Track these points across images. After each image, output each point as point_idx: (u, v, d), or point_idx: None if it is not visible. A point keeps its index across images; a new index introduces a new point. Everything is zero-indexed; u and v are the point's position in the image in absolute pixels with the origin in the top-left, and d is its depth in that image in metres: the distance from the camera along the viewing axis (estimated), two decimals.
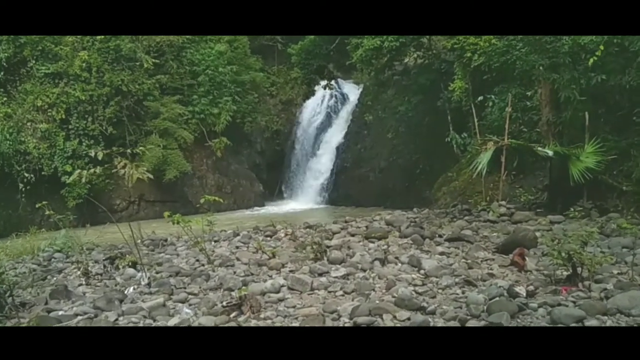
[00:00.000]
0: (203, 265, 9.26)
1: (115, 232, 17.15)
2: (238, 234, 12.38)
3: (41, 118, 20.83)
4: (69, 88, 21.21)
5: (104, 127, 21.95)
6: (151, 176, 7.32)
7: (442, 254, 8.44)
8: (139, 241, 13.26)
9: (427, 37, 19.24)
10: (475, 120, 13.93)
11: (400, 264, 7.75)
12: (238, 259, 8.99)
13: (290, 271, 7.76)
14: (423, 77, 19.32)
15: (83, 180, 6.88)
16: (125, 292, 7.34)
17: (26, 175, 20.39)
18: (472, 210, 12.85)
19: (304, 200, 25.75)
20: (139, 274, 7.97)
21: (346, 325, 5.40)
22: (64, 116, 21.19)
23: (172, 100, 23.44)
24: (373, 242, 9.55)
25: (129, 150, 8.53)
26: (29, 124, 20.78)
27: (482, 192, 15.55)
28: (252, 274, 7.86)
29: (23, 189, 20.29)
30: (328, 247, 9.27)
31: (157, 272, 8.88)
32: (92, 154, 20.65)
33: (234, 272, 8.11)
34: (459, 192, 16.26)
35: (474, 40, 16.02)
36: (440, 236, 9.93)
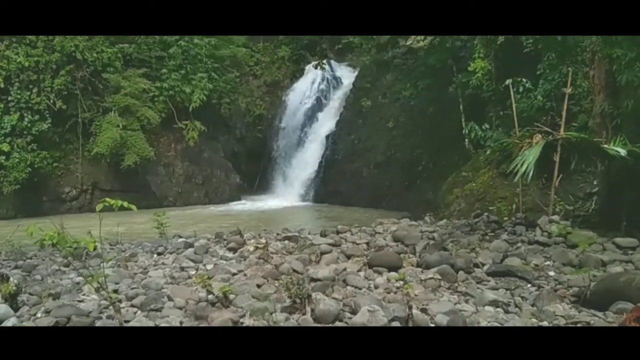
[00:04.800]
0: (120, 300, 6.01)
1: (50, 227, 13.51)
2: (192, 245, 9.14)
3: None
4: (9, 52, 17.90)
5: (51, 101, 18.57)
6: None
7: (494, 304, 5.29)
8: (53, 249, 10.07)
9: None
10: (514, 107, 10.74)
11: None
12: (171, 298, 5.74)
13: None
14: (434, 57, 16.15)
15: None
16: None
17: None
18: (503, 223, 9.72)
19: (287, 195, 22.53)
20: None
21: None
22: (2, 85, 17.95)
23: (136, 74, 20.16)
24: (381, 274, 6.40)
25: None
26: None
27: (506, 197, 12.58)
28: None
29: None
30: (314, 280, 6.11)
31: (45, 312, 5.70)
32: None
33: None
34: (476, 197, 13.22)
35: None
36: (477, 266, 6.81)
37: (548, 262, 7.19)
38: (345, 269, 6.57)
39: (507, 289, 5.95)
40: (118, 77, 19.66)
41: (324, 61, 20.16)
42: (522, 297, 5.64)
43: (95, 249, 4.73)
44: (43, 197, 19.56)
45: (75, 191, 19.93)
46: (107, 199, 4.72)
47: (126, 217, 16.17)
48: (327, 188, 21.62)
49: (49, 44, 18.34)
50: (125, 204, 4.67)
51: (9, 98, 18.10)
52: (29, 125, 18.15)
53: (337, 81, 24.41)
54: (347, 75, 24.29)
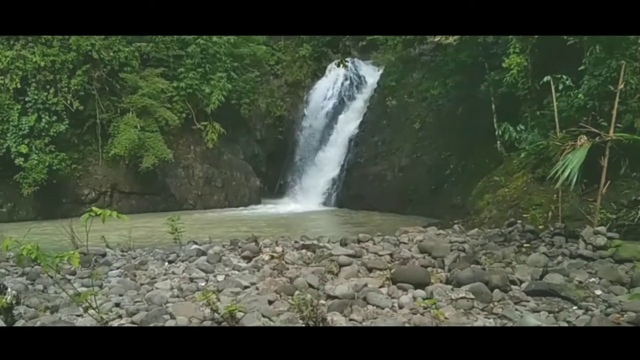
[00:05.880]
0: (120, 316, 5.49)
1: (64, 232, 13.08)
2: (205, 253, 8.58)
3: None
4: (26, 51, 17.69)
5: (68, 101, 18.34)
6: None
7: None
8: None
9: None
10: (555, 106, 9.88)
11: None
12: (173, 316, 5.15)
13: None
14: (464, 54, 15.31)
15: None
16: None
17: None
18: (540, 233, 8.89)
19: (307, 199, 21.87)
20: None
21: None
22: (19, 85, 17.72)
23: (154, 74, 19.82)
24: (406, 292, 5.71)
25: None
26: None
27: (542, 204, 11.71)
28: None
29: None
30: (330, 297, 5.48)
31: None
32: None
33: None
34: (509, 204, 12.35)
35: None
36: (514, 283, 6.07)
37: (593, 279, 6.40)
38: (366, 285, 5.90)
39: (550, 312, 5.20)
40: (135, 77, 19.37)
41: (347, 59, 19.61)
42: (569, 322, 4.89)
43: (79, 264, 4.16)
44: (62, 199, 19.38)
45: (94, 193, 19.71)
46: (94, 209, 4.15)
47: (144, 221, 15.86)
48: (349, 192, 20.92)
49: (64, 43, 18.14)
50: (115, 214, 4.08)
51: (26, 99, 17.94)
52: (46, 126, 17.96)
53: (361, 80, 23.64)
54: (371, 73, 23.45)
